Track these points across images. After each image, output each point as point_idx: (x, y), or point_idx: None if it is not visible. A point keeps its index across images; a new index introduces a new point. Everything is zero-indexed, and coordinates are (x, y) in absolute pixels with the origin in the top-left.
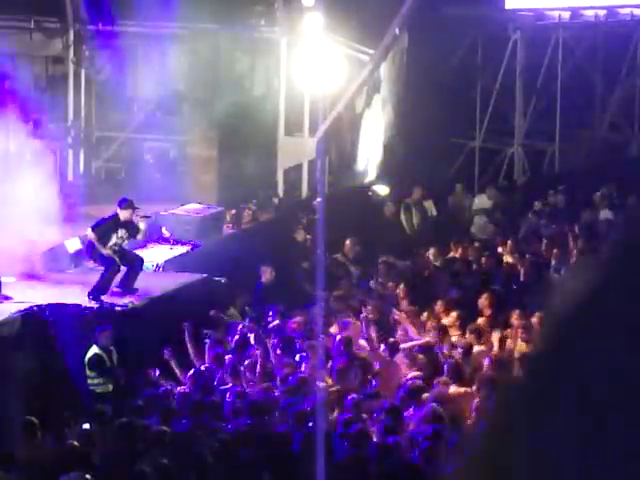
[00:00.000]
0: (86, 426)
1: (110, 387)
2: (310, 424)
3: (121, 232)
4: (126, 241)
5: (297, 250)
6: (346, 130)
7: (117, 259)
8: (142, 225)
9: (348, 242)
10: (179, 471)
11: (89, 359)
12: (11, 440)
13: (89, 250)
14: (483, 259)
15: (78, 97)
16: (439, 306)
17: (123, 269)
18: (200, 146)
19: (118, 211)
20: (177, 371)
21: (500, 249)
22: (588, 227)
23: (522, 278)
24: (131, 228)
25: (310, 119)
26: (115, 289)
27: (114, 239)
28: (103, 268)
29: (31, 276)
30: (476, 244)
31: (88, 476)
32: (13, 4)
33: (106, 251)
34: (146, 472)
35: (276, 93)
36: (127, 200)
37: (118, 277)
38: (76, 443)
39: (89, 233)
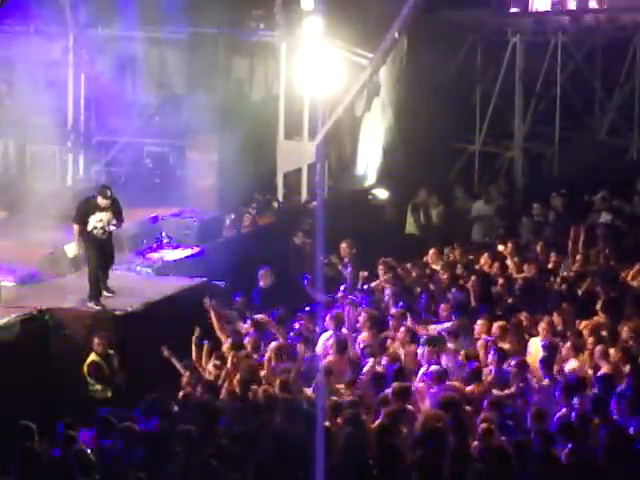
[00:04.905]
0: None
1: (109, 393)
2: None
3: (100, 215)
4: (109, 222)
5: (297, 254)
6: (346, 134)
7: (95, 249)
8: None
9: (344, 245)
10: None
11: (87, 365)
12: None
13: None
14: (483, 263)
15: (78, 101)
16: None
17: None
18: (199, 150)
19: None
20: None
21: (501, 252)
22: (588, 230)
23: (520, 283)
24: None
25: (310, 123)
26: None
27: (93, 222)
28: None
29: (30, 280)
30: (475, 248)
31: None
32: (12, 9)
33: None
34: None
35: (275, 97)
36: (101, 187)
37: None
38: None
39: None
